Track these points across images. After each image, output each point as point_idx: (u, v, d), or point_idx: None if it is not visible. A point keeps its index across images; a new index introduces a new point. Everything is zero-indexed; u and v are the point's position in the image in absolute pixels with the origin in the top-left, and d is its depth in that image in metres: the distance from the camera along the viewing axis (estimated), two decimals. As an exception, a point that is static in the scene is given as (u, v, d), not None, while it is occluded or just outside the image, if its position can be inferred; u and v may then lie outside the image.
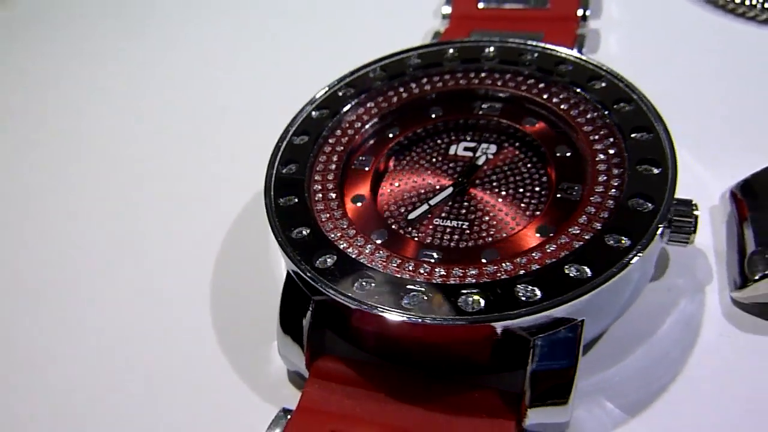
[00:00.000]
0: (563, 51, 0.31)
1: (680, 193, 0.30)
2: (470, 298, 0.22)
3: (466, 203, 0.28)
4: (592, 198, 0.25)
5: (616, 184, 0.25)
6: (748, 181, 0.28)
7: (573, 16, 0.37)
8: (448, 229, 0.27)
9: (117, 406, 0.27)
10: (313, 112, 0.31)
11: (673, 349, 0.25)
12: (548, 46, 0.31)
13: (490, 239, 0.26)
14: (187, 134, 0.39)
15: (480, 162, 0.29)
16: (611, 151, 0.26)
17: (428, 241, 0.26)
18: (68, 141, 0.41)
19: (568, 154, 0.28)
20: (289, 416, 0.23)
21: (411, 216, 0.28)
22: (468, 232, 0.27)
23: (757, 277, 0.25)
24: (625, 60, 0.38)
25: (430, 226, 0.27)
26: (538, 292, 0.22)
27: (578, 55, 0.30)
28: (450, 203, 0.28)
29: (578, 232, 0.24)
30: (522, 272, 0.23)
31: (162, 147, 0.39)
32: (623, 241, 0.23)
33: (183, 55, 0.46)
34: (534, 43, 0.31)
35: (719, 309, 0.26)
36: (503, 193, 0.28)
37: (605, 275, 0.22)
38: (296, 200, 0.27)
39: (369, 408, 0.23)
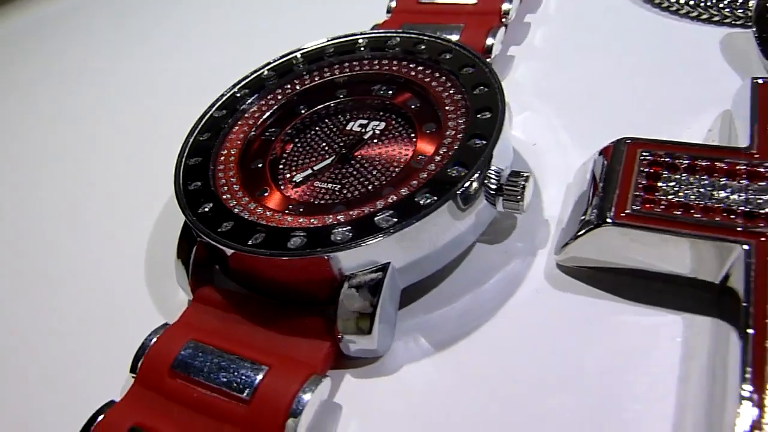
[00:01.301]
0: (448, 41, 0.35)
1: (549, 170, 0.34)
2: (296, 239, 0.27)
3: (344, 170, 0.32)
4: (429, 166, 0.29)
5: (450, 154, 0.29)
6: (599, 155, 0.31)
7: (496, 11, 0.40)
8: (323, 190, 0.32)
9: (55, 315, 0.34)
10: (238, 93, 0.36)
11: (492, 301, 0.29)
12: (439, 37, 0.35)
13: (349, 197, 0.31)
14: (130, 113, 0.48)
15: (366, 136, 0.34)
16: (460, 128, 0.30)
17: (304, 198, 0.32)
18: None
19: (433, 131, 0.32)
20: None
21: (296, 178, 0.33)
22: (337, 192, 0.31)
23: (567, 241, 0.28)
24: (543, 50, 0.41)
25: (311, 187, 0.32)
26: (350, 235, 0.27)
27: (461, 45, 0.34)
28: (332, 169, 0.33)
29: (404, 191, 0.28)
30: (346, 220, 0.28)
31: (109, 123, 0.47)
32: (429, 200, 0.27)
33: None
34: (427, 34, 0.36)
35: (543, 270, 0.29)
36: (375, 163, 0.32)
37: (401, 225, 0.26)
38: (201, 160, 0.33)
39: (225, 326, 0.29)
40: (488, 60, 0.38)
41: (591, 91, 0.37)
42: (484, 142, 0.29)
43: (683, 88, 0.36)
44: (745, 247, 0.24)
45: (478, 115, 0.30)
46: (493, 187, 0.29)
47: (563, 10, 0.44)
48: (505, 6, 0.40)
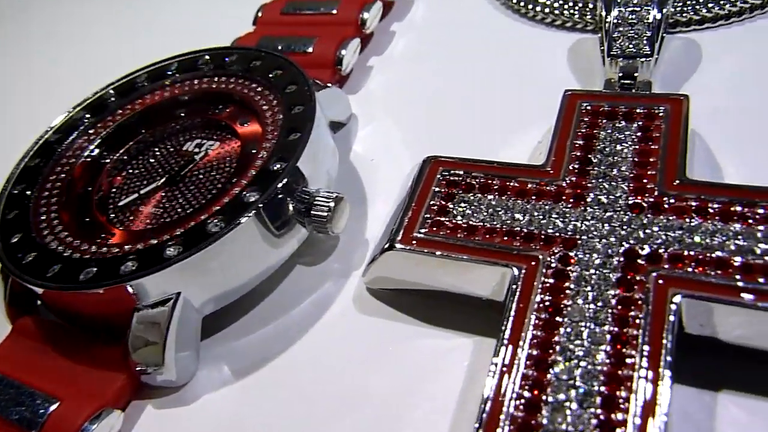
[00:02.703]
0: (281, 58, 0.34)
1: (381, 187, 0.33)
2: (88, 271, 0.27)
3: (170, 194, 0.32)
4: (233, 190, 0.29)
5: (252, 177, 0.29)
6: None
7: (353, 21, 0.40)
8: (147, 216, 0.31)
9: None
10: (76, 115, 0.36)
11: (299, 325, 0.28)
12: (273, 53, 0.35)
13: (167, 223, 0.30)
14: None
15: (198, 157, 0.33)
16: (270, 150, 0.30)
17: (127, 225, 0.31)
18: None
19: (253, 152, 0.31)
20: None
21: (121, 203, 0.32)
22: (158, 218, 0.31)
23: (366, 264, 0.28)
24: (403, 60, 0.41)
25: (136, 213, 0.32)
26: (135, 267, 0.26)
27: (290, 61, 0.34)
28: (160, 193, 0.32)
29: (204, 217, 0.28)
30: (142, 248, 0.27)
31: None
32: (218, 227, 0.26)
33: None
34: (263, 50, 0.35)
35: (353, 292, 0.29)
36: (199, 186, 0.31)
37: (183, 255, 0.26)
38: (25, 188, 0.32)
39: (34, 358, 0.29)
40: (342, 71, 0.38)
41: (438, 103, 0.36)
42: (285, 164, 0.28)
43: (527, 98, 0.35)
44: (515, 271, 0.23)
45: (289, 136, 0.30)
46: (301, 209, 0.28)
47: (429, 18, 0.43)
48: (363, 15, 0.40)
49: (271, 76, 0.34)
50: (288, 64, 0.34)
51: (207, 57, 0.37)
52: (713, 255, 0.22)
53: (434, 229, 0.26)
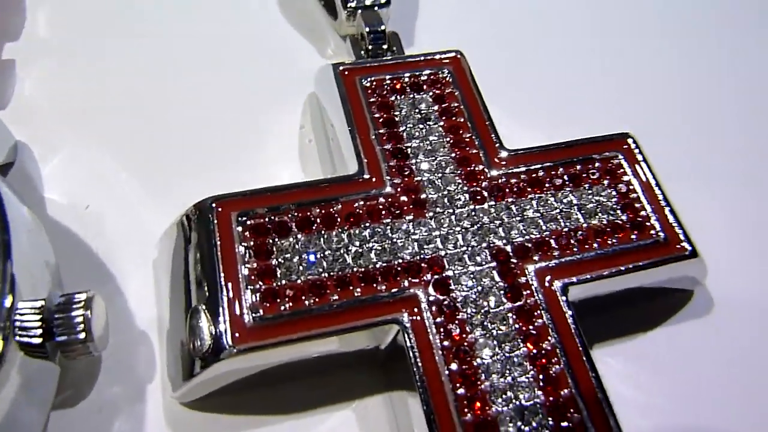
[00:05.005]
0: None
1: (121, 246, 0.24)
2: None
3: None
4: None
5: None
6: (181, 225, 0.22)
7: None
8: None
9: None
10: None
11: (105, 503, 0.19)
12: None
13: None
14: None
15: None
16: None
17: None
18: None
19: None
20: None
21: None
22: None
23: (180, 381, 0.19)
24: (66, 35, 0.29)
25: None
26: None
27: None
28: None
29: None
30: None
31: None
32: None
33: None
34: None
35: (162, 416, 0.20)
36: None
37: None
38: None
39: None
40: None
41: (143, 98, 0.27)
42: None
43: (266, 73, 0.28)
44: (404, 322, 0.19)
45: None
46: (35, 342, 0.18)
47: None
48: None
49: None
50: None
51: None
52: (571, 229, 0.21)
53: (268, 305, 0.19)
